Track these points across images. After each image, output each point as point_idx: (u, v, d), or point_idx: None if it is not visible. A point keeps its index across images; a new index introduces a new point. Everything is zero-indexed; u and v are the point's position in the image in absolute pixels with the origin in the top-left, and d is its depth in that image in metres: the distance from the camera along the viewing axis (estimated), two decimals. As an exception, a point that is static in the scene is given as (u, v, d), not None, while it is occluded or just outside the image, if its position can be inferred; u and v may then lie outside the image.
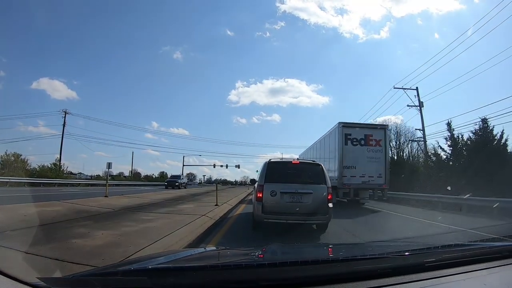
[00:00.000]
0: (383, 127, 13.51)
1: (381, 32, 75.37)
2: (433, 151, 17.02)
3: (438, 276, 1.22)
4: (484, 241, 2.51)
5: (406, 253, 1.42)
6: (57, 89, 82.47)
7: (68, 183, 28.23)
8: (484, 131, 14.32)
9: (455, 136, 15.60)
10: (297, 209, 5.67)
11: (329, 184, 6.06)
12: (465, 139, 15.30)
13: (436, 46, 59.84)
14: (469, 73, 34.05)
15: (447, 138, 16.07)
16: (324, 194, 5.90)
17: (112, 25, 77.10)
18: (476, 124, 14.69)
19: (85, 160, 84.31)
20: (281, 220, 5.61)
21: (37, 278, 1.23)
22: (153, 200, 10.72)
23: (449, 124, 16.07)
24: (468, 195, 11.10)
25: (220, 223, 6.71)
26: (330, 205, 5.90)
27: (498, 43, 33.69)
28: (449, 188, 14.15)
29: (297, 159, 6.60)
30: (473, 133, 14.70)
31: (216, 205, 9.42)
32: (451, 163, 15.96)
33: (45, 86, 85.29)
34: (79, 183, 29.58)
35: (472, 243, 1.95)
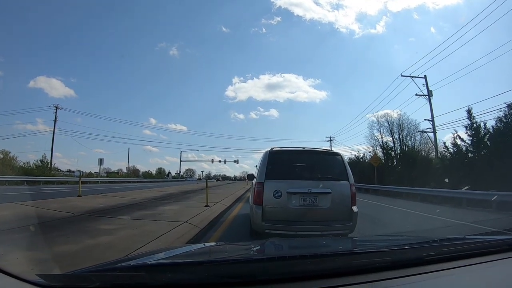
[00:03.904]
0: None
1: (377, 27, 73.92)
2: (452, 141, 15.43)
3: (438, 269, 1.18)
4: (484, 234, 2.59)
5: (405, 247, 1.38)
6: (55, 87, 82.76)
7: (55, 180, 26.55)
8: (510, 117, 12.76)
9: (476, 124, 13.98)
10: (311, 215, 4.11)
11: (352, 180, 4.47)
12: (488, 128, 13.72)
13: (433, 40, 58.60)
14: (468, 66, 32.98)
15: (467, 126, 14.46)
16: (347, 194, 4.34)
17: (109, 22, 75.54)
18: (501, 111, 13.14)
19: (85, 158, 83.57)
20: (288, 231, 3.98)
21: (36, 275, 1.13)
22: (133, 200, 9.11)
23: (469, 112, 14.42)
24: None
25: (205, 234, 5.00)
26: (355, 208, 4.32)
27: (496, 38, 32.25)
28: (446, 180, 13.34)
29: (304, 148, 4.91)
30: (499, 120, 13.11)
31: (207, 206, 7.87)
32: (470, 154, 14.43)
33: (42, 85, 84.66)
34: (67, 181, 27.77)
35: (472, 236, 1.82)
